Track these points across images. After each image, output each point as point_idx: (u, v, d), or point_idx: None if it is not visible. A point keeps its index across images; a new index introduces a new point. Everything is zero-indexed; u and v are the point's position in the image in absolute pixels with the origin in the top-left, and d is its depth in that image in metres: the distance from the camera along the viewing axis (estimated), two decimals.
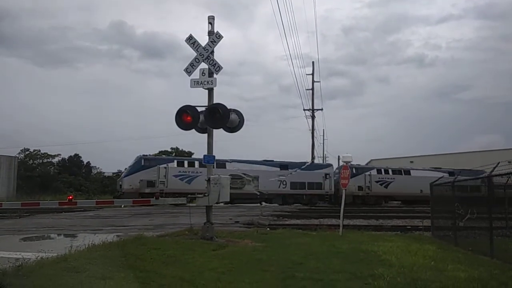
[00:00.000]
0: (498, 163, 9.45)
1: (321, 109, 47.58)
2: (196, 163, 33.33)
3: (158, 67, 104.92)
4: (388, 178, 36.92)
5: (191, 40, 11.47)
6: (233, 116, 11.44)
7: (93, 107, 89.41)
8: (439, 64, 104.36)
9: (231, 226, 15.96)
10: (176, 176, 32.27)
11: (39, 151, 55.89)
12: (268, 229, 14.86)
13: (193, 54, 11.41)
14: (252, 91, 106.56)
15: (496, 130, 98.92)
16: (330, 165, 38.77)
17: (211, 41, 11.37)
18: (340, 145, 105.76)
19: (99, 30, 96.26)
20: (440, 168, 36.87)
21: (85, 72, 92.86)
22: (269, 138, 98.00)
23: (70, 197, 13.01)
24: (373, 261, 8.04)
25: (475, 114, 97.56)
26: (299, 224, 16.75)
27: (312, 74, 46.40)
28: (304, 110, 45.29)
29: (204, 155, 11.46)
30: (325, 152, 57.19)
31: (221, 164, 32.32)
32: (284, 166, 35.71)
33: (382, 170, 37.86)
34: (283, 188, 34.52)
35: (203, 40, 11.46)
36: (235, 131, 11.88)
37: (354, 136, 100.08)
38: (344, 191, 13.83)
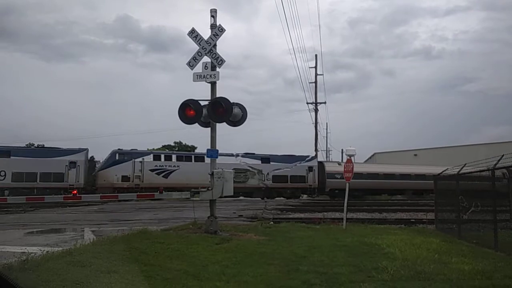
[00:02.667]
0: (503, 155, 9.40)
1: (325, 103, 47.44)
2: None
3: (163, 61, 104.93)
4: (170, 166, 32.68)
5: (193, 34, 11.42)
6: (236, 110, 11.43)
7: (97, 101, 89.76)
8: (446, 56, 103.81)
9: (235, 220, 16.00)
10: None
11: (44, 145, 56.05)
12: (272, 222, 14.89)
13: (197, 47, 11.38)
14: (257, 85, 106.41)
15: (504, 122, 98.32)
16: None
17: (214, 35, 11.32)
18: (344, 139, 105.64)
19: (104, 24, 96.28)
20: (254, 153, 35.77)
21: (91, 66, 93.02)
22: (273, 132, 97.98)
23: (75, 192, 13.08)
24: (377, 254, 8.05)
25: (482, 106, 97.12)
26: (303, 218, 16.78)
27: (315, 67, 46.26)
28: (308, 103, 45.22)
29: (208, 149, 11.49)
30: (328, 146, 57.04)
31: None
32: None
33: (162, 156, 33.71)
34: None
35: (208, 33, 11.42)
36: (238, 125, 11.87)
37: (359, 129, 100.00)
38: (347, 184, 13.83)
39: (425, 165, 41.04)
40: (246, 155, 35.06)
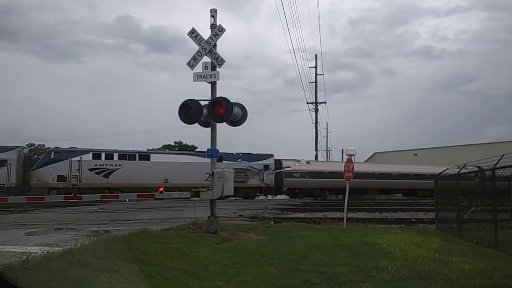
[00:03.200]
0: (503, 155, 9.40)
1: (325, 102, 47.51)
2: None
3: (163, 61, 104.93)
4: (111, 165, 31.28)
5: (193, 34, 11.42)
6: (236, 110, 11.43)
7: (98, 101, 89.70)
8: (447, 56, 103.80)
9: (235, 219, 16.01)
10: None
11: (43, 145, 56.08)
12: (272, 222, 14.90)
13: (197, 47, 11.38)
14: (257, 84, 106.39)
15: (505, 122, 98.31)
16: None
17: (214, 35, 11.32)
18: (345, 138, 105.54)
19: (105, 24, 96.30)
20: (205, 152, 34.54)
21: (91, 66, 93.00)
22: (274, 131, 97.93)
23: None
24: (377, 254, 8.05)
25: (482, 106, 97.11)
26: (303, 218, 16.78)
27: (315, 67, 46.29)
28: (308, 103, 45.24)
29: (208, 149, 11.50)
30: (329, 145, 57.06)
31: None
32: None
33: (103, 155, 31.85)
34: None
35: (208, 33, 11.41)
36: (238, 125, 11.88)
37: (359, 129, 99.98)
38: (347, 184, 13.84)
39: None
40: (198, 153, 33.60)
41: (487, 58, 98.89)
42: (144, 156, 31.50)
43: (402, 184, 36.93)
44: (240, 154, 34.35)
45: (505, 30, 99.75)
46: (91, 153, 31.58)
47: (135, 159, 32.17)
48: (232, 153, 34.04)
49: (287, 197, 35.33)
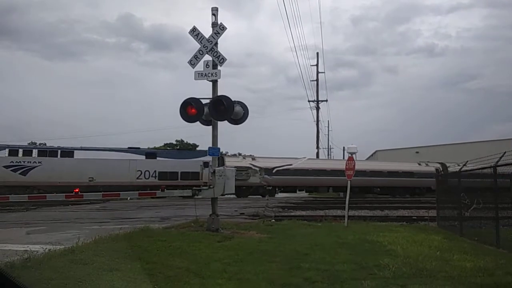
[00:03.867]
0: (505, 152, 9.38)
1: (326, 100, 47.59)
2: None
3: (165, 59, 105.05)
4: (30, 162, 29.42)
5: (194, 32, 11.42)
6: (237, 108, 11.42)
7: (100, 100, 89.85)
8: (449, 53, 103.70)
9: (236, 217, 16.01)
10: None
11: (45, 144, 56.17)
12: (273, 220, 14.90)
13: (198, 46, 11.36)
14: (259, 83, 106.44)
15: (507, 119, 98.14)
16: None
17: (215, 33, 11.31)
18: (347, 136, 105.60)
19: (107, 23, 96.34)
20: (139, 148, 33.19)
21: (93, 65, 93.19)
22: (275, 129, 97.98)
23: (76, 190, 13.09)
24: (379, 252, 8.05)
25: (485, 103, 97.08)
26: (305, 216, 16.78)
27: (317, 65, 46.31)
28: (309, 101, 45.27)
29: (209, 147, 11.48)
30: (330, 143, 57.06)
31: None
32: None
33: (20, 151, 30.17)
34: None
35: (210, 32, 11.40)
36: (240, 123, 11.87)
37: (361, 127, 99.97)
38: (349, 182, 13.83)
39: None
40: (129, 149, 32.33)
41: (490, 55, 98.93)
42: (67, 152, 29.81)
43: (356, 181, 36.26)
44: (178, 151, 33.09)
45: (507, 27, 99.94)
46: (7, 150, 29.99)
47: (56, 156, 30.39)
48: (169, 149, 33.01)
49: (286, 195, 35.26)
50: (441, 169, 37.54)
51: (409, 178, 36.54)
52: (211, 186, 11.10)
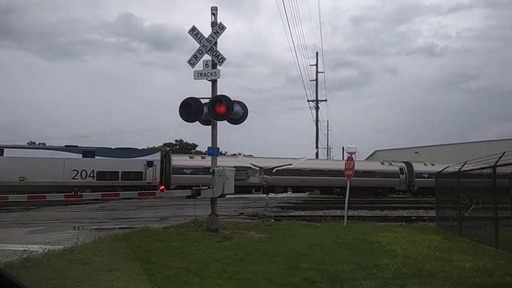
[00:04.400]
0: (504, 152, 9.39)
1: (325, 100, 47.71)
2: None
3: (165, 59, 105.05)
4: None
5: (194, 32, 11.41)
6: (237, 108, 11.41)
7: (99, 100, 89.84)
8: (449, 54, 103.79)
9: (236, 217, 16.01)
10: None
11: (44, 144, 56.14)
12: (273, 220, 14.90)
13: (198, 45, 11.35)
14: (259, 83, 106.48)
15: (508, 120, 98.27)
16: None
17: (214, 32, 11.31)
18: (346, 136, 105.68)
19: (107, 23, 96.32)
20: (77, 146, 31.45)
21: (92, 64, 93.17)
22: (275, 129, 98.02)
23: (76, 190, 13.08)
24: (378, 252, 8.05)
25: (485, 104, 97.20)
26: (304, 216, 16.78)
27: (316, 65, 46.35)
28: (308, 101, 45.31)
29: (208, 147, 11.46)
30: (330, 143, 57.09)
31: None
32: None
33: None
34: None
35: (209, 32, 11.38)
36: (239, 123, 11.85)
37: (361, 127, 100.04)
38: (348, 182, 13.84)
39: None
40: (65, 148, 30.94)
41: (490, 55, 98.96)
42: None
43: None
44: (119, 150, 31.39)
45: (508, 27, 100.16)
46: None
47: None
48: (110, 148, 31.61)
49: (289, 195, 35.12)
50: (406, 169, 37.43)
51: (370, 178, 34.88)
52: (210, 186, 11.09)
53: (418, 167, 38.18)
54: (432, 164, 36.94)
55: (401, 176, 37.05)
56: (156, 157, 31.69)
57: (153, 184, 30.12)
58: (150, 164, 30.75)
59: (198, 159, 33.51)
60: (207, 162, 32.17)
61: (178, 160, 32.60)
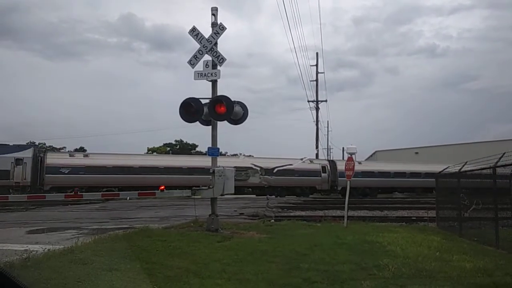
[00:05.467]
0: (504, 153, 9.39)
1: (325, 101, 47.57)
2: None
3: (166, 59, 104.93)
4: None
5: (194, 32, 11.42)
6: (237, 108, 11.42)
7: (100, 100, 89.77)
8: (450, 54, 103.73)
9: (236, 218, 16.01)
10: None
11: (44, 144, 56.17)
12: (273, 220, 14.90)
13: (198, 46, 11.35)
14: (260, 83, 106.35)
15: (509, 120, 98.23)
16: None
17: (215, 33, 11.31)
18: (347, 137, 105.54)
19: (108, 23, 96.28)
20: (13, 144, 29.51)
21: (94, 64, 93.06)
22: (276, 130, 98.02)
23: (76, 190, 13.10)
24: (378, 252, 8.05)
25: (486, 104, 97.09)
26: (304, 216, 16.79)
27: (316, 66, 46.35)
28: (309, 101, 45.30)
29: (208, 147, 11.47)
30: (330, 144, 57.05)
31: None
32: None
33: None
34: None
35: (210, 32, 11.38)
36: (239, 123, 11.86)
37: (361, 127, 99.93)
38: (348, 183, 13.85)
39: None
40: None
41: (491, 56, 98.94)
42: None
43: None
44: None
45: (508, 28, 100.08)
46: None
47: None
48: None
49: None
50: (329, 167, 35.34)
51: (289, 177, 32.73)
52: (210, 186, 11.09)
53: (342, 166, 37.27)
54: (359, 163, 35.41)
55: (323, 174, 35.14)
56: (27, 154, 28.23)
57: (23, 184, 27.28)
58: (19, 162, 27.59)
59: (79, 157, 30.93)
60: (89, 160, 29.53)
61: (54, 158, 29.41)
